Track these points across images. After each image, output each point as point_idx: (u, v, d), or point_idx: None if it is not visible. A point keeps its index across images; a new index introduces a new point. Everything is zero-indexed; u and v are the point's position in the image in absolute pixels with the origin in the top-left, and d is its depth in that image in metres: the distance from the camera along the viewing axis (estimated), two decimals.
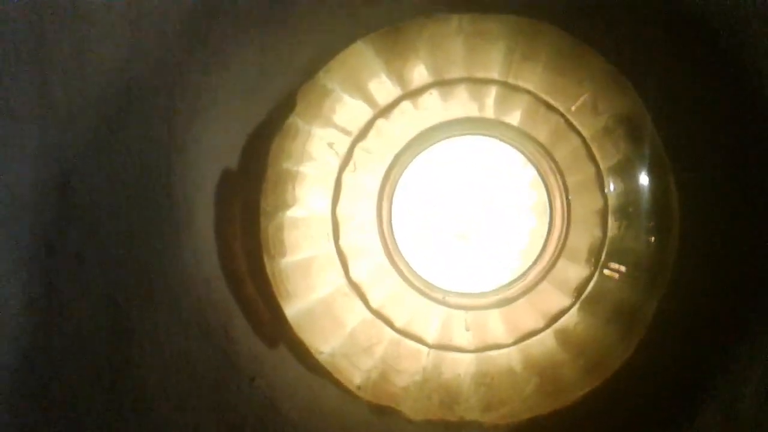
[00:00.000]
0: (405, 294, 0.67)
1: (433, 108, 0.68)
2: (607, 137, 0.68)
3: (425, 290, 0.67)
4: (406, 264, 0.67)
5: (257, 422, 0.66)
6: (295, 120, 0.71)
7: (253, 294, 0.70)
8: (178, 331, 0.64)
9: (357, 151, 0.69)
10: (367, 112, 0.70)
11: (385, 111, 0.69)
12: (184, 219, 0.65)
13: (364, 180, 0.68)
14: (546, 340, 0.68)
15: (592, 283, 0.67)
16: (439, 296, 0.66)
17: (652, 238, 0.69)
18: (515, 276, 0.68)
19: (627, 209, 0.68)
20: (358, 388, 0.71)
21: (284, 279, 0.71)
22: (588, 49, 0.69)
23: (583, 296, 0.67)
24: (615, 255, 0.68)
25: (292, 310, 0.70)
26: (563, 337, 0.69)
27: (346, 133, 0.70)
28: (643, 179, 0.69)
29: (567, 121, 0.66)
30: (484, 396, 0.71)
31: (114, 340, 0.63)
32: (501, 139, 0.67)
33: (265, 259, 0.71)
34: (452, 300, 0.67)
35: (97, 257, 0.62)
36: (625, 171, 0.69)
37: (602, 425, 0.72)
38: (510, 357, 0.69)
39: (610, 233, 0.68)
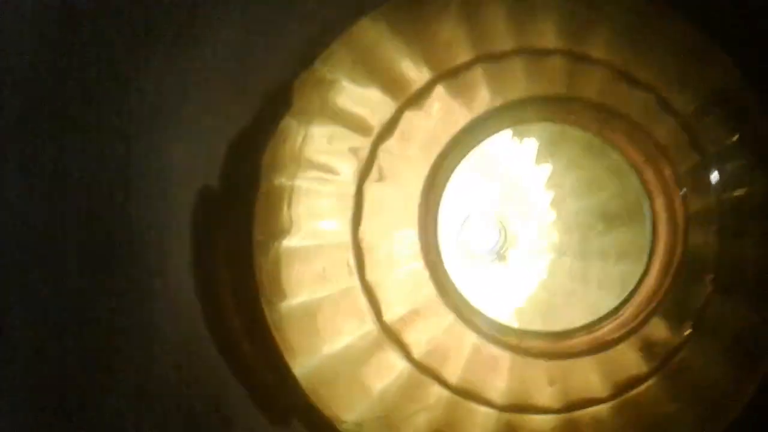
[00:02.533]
0: (462, 338, 0.49)
1: (480, 90, 0.51)
2: (705, 119, 0.52)
3: (491, 332, 0.49)
4: (463, 298, 0.49)
5: None
6: (291, 121, 0.54)
7: (251, 354, 0.51)
8: (154, 419, 0.45)
9: (381, 154, 0.51)
10: (388, 104, 0.53)
11: (414, 99, 0.51)
12: (152, 263, 0.47)
13: (394, 192, 0.50)
14: (653, 389, 0.51)
15: (711, 307, 0.50)
16: (513, 340, 0.48)
17: None
18: (609, 308, 0.50)
19: (740, 207, 0.52)
20: None
21: (290, 330, 0.53)
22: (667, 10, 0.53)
23: (701, 325, 0.50)
24: (730, 268, 0.52)
25: (303, 370, 0.52)
26: (673, 381, 0.51)
27: (363, 131, 0.52)
28: (752, 170, 0.52)
29: (659, 97, 0.50)
30: None
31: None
32: (574, 124, 0.50)
33: (264, 306, 0.52)
34: (530, 344, 0.49)
35: (26, 325, 0.43)
36: (729, 160, 0.52)
37: None
38: (607, 414, 0.51)
39: (722, 241, 0.51)
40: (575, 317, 0.72)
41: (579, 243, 0.77)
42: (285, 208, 0.54)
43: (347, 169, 0.52)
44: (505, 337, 0.48)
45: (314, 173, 0.53)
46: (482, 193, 0.74)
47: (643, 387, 0.51)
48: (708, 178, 0.51)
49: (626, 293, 0.69)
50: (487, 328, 0.49)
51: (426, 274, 0.48)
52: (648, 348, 0.50)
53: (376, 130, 0.51)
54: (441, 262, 0.49)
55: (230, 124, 0.53)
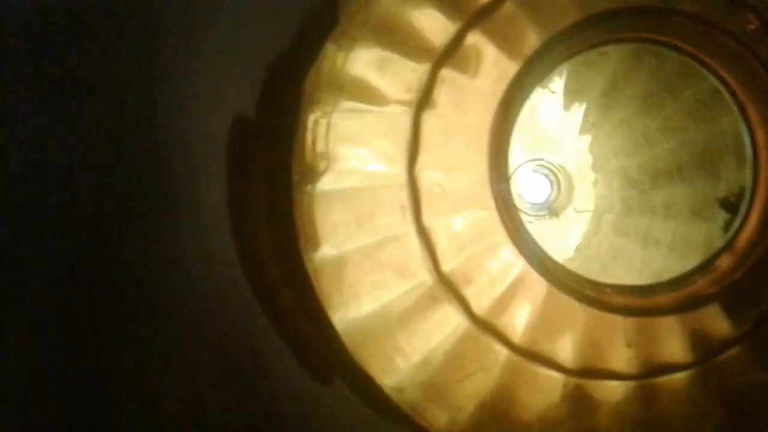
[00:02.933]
0: (532, 289, 0.43)
1: (557, 2, 0.44)
2: None
3: (568, 283, 0.42)
4: (536, 245, 0.43)
5: None
6: (337, 43, 0.47)
7: (290, 304, 0.45)
8: (183, 372, 0.39)
9: (441, 80, 0.44)
10: (449, 23, 0.46)
11: (480, 16, 0.45)
12: (183, 200, 0.41)
13: (458, 121, 0.44)
14: (741, 355, 0.45)
15: None
16: (593, 293, 0.42)
17: None
18: (702, 261, 0.44)
19: None
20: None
21: (331, 279, 0.47)
22: None
23: None
24: None
25: (345, 324, 0.47)
26: (765, 346, 0.45)
27: (420, 54, 0.46)
28: None
29: (762, 20, 0.43)
30: None
31: (76, 385, 0.38)
32: (666, 43, 0.43)
33: (303, 253, 0.46)
34: (613, 299, 0.43)
35: (45, 264, 0.37)
36: None
37: None
38: (689, 382, 0.45)
39: None
40: (625, 275, 0.66)
41: (632, 199, 0.71)
42: (327, 141, 0.48)
43: (402, 98, 0.46)
44: (583, 289, 0.42)
45: (362, 102, 0.47)
46: (533, 146, 0.68)
47: (730, 352, 0.45)
48: None
49: (686, 252, 0.63)
50: (564, 276, 0.42)
51: (494, 216, 0.42)
52: (741, 308, 0.44)
53: (436, 53, 0.45)
54: (512, 204, 0.42)
55: (268, 45, 0.46)
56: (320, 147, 0.47)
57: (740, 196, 0.57)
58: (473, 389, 0.46)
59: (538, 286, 0.42)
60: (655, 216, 0.66)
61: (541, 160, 0.70)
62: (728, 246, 0.43)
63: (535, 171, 0.70)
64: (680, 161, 0.66)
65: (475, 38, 0.45)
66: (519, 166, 0.70)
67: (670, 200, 0.66)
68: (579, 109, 0.71)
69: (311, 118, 0.47)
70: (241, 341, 0.42)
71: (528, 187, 0.71)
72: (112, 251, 0.39)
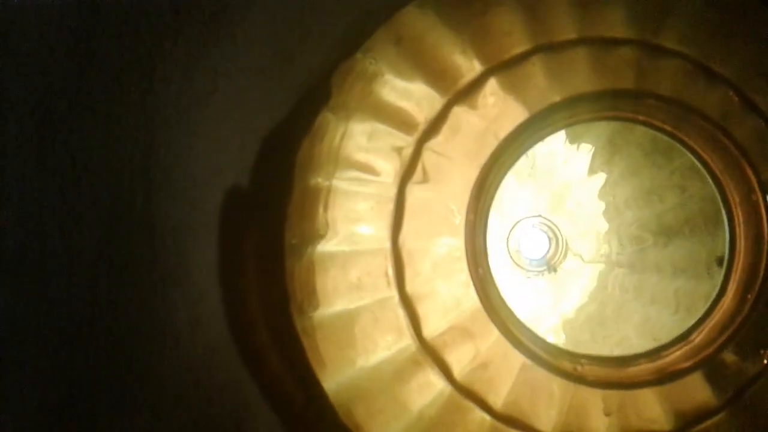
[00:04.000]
0: (509, 360, 0.44)
1: (538, 84, 0.45)
2: None
3: (544, 357, 0.43)
4: (512, 314, 0.44)
5: None
6: (329, 116, 0.49)
7: (279, 369, 0.47)
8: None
9: (426, 153, 0.46)
10: (435, 99, 0.48)
11: (463, 94, 0.46)
12: (173, 266, 0.43)
13: (440, 194, 0.46)
14: (723, 423, 0.45)
15: None
16: (567, 365, 0.43)
17: None
18: (665, 325, 0.44)
19: None
20: None
21: (321, 341, 0.48)
22: None
23: None
24: None
25: (335, 385, 0.48)
26: (746, 414, 0.45)
27: (407, 128, 0.48)
28: None
29: (741, 95, 0.44)
30: None
31: None
32: (645, 122, 0.45)
33: (294, 315, 0.48)
34: (586, 371, 0.43)
35: (36, 332, 0.40)
36: None
37: None
38: None
39: None
40: (628, 332, 0.66)
41: (634, 255, 0.72)
42: (320, 209, 0.49)
43: (389, 169, 0.48)
44: (557, 361, 0.43)
45: (353, 173, 0.49)
46: (532, 199, 0.69)
47: (711, 421, 0.45)
48: None
49: (682, 310, 0.64)
50: (538, 349, 0.43)
51: (471, 286, 0.43)
52: (720, 378, 0.44)
53: (421, 127, 0.47)
54: (489, 273, 0.44)
55: (262, 119, 0.49)
56: (319, 213, 0.49)
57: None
58: None
59: (514, 357, 0.43)
60: (663, 273, 0.66)
61: (539, 216, 0.71)
62: (704, 318, 0.43)
63: (533, 227, 0.71)
64: (681, 219, 0.66)
65: (458, 113, 0.47)
66: (517, 223, 0.71)
67: (669, 257, 0.67)
68: (582, 160, 0.72)
69: (311, 182, 0.49)
70: (225, 408, 0.43)
71: (527, 243, 0.71)
72: (105, 322, 0.41)
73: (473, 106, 0.46)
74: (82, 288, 0.41)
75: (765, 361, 0.45)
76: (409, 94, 0.48)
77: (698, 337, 0.43)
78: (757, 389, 0.46)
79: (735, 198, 0.43)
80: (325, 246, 0.49)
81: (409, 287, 0.46)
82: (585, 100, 0.43)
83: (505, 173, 0.44)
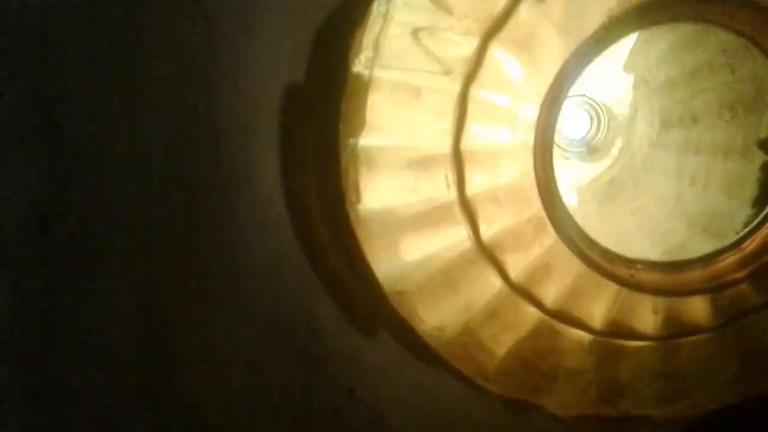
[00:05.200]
0: (566, 265, 0.45)
1: None
2: None
3: (600, 262, 0.45)
4: (571, 220, 0.45)
5: None
6: (382, 5, 0.47)
7: (338, 264, 0.49)
8: (243, 337, 0.44)
9: (493, 48, 0.45)
10: None
11: None
12: (239, 169, 0.43)
13: (506, 99, 0.45)
14: (763, 318, 0.48)
15: None
16: (624, 272, 0.45)
17: None
18: (732, 241, 0.45)
19: None
20: (486, 379, 0.52)
21: (376, 236, 0.50)
22: None
23: None
24: None
25: (389, 276, 0.50)
26: None
27: (470, 21, 0.46)
28: None
29: None
30: (663, 388, 0.51)
31: (150, 352, 0.42)
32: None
33: (349, 212, 0.49)
34: (640, 278, 0.45)
35: (114, 237, 0.40)
36: None
37: None
38: (710, 342, 0.48)
39: None
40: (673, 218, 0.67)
41: (678, 135, 0.71)
42: (376, 104, 0.49)
43: (451, 64, 0.46)
44: (614, 268, 0.44)
45: (409, 66, 0.48)
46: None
47: (753, 317, 0.47)
48: None
49: (732, 192, 0.64)
50: (595, 255, 0.45)
51: (535, 192, 0.44)
52: (761, 273, 0.46)
53: (486, 23, 0.45)
54: (554, 179, 0.44)
55: (314, 11, 0.47)
56: (374, 108, 0.48)
57: None
58: (505, 340, 0.50)
59: (570, 262, 0.44)
60: (692, 153, 0.66)
61: (584, 96, 0.69)
62: (758, 227, 0.44)
63: (577, 107, 0.70)
64: (724, 101, 0.65)
65: (527, 12, 0.45)
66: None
67: (710, 139, 0.66)
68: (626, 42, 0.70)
69: (363, 78, 0.48)
70: (295, 306, 0.45)
71: (569, 123, 0.71)
72: (178, 229, 0.42)
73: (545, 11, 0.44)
74: (153, 197, 0.41)
75: None
76: None
77: (751, 245, 0.44)
78: None
79: None
80: (383, 139, 0.49)
81: (469, 190, 0.46)
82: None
83: (575, 79, 0.43)
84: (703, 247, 0.53)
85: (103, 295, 0.40)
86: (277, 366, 0.45)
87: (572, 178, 0.66)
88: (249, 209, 0.44)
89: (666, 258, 0.49)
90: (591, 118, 0.71)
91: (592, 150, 0.71)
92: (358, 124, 0.49)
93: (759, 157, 0.63)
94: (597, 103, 0.70)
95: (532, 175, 0.44)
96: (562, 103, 0.44)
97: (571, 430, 0.54)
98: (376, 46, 0.48)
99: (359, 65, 0.48)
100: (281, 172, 0.46)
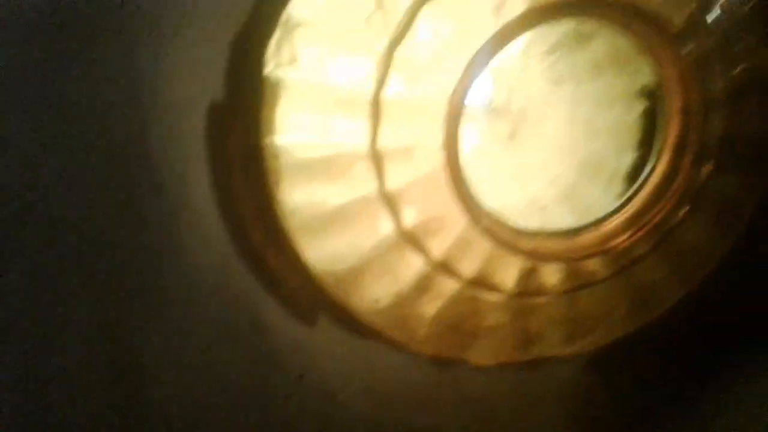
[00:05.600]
0: (480, 243, 0.51)
1: None
2: None
3: (508, 238, 0.51)
4: (479, 204, 0.51)
5: (316, 424, 0.52)
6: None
7: (276, 265, 0.52)
8: (197, 347, 0.47)
9: (398, 57, 0.48)
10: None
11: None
12: (176, 194, 0.46)
13: (419, 98, 0.49)
14: (649, 261, 0.56)
15: (709, 185, 0.53)
16: (528, 245, 0.51)
17: None
18: (621, 199, 0.53)
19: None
20: (418, 342, 0.58)
21: (304, 230, 0.53)
22: None
23: (697, 203, 0.53)
24: (730, 145, 0.54)
25: (321, 263, 0.54)
26: (667, 251, 0.56)
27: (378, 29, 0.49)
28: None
29: None
30: (568, 331, 0.59)
31: (113, 372, 0.46)
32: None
33: (279, 214, 0.52)
34: (546, 246, 0.52)
35: (67, 267, 0.43)
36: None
37: (693, 332, 0.63)
38: (604, 289, 0.56)
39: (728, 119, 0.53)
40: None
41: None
42: (291, 105, 0.52)
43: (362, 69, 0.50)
44: (520, 242, 0.51)
45: (324, 69, 0.51)
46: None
47: (640, 264, 0.55)
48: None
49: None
50: (504, 233, 0.51)
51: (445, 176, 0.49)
52: (650, 232, 0.54)
53: (390, 34, 0.48)
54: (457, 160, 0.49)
55: (230, 23, 0.49)
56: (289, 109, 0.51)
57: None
58: (431, 309, 0.56)
59: (482, 241, 0.50)
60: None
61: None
62: (639, 188, 0.51)
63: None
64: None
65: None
66: None
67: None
68: None
69: (279, 82, 0.51)
70: (241, 310, 0.49)
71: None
72: (123, 253, 0.44)
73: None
74: (95, 229, 0.43)
75: (685, 211, 0.54)
76: None
77: (635, 206, 0.52)
78: (677, 232, 0.55)
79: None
80: (299, 144, 0.52)
81: (388, 186, 0.51)
82: None
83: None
84: (592, 189, 0.61)
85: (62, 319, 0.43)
86: (232, 366, 0.49)
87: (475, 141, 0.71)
88: (188, 227, 0.47)
89: (560, 199, 0.56)
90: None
91: (492, 111, 0.76)
92: (274, 126, 0.52)
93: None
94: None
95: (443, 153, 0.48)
96: (479, 74, 0.48)
97: (492, 375, 0.61)
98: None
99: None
100: (214, 188, 0.49)
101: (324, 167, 0.52)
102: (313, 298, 0.54)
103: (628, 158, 0.60)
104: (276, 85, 0.51)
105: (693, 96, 0.50)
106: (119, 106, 0.43)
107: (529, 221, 0.52)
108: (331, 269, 0.55)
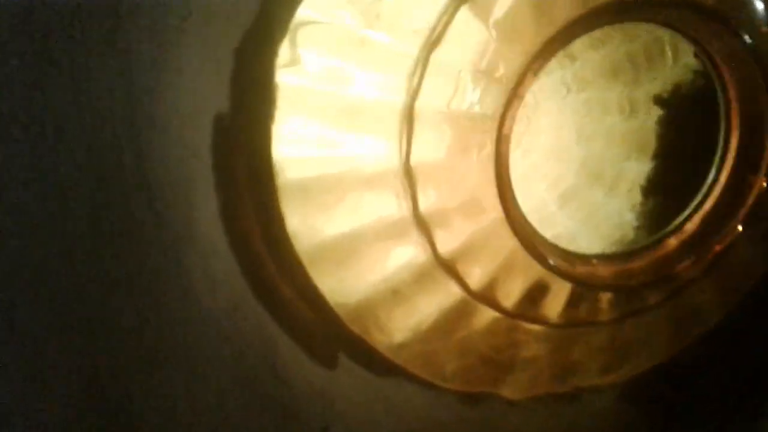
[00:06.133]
0: (526, 269, 0.45)
1: None
2: None
3: (558, 262, 0.45)
4: (529, 226, 0.45)
5: None
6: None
7: (291, 302, 0.46)
8: (206, 400, 0.40)
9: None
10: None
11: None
12: (180, 225, 0.39)
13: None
14: (700, 283, 0.50)
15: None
16: (580, 269, 0.46)
17: None
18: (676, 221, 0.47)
19: None
20: (445, 379, 0.52)
21: (326, 263, 0.47)
22: None
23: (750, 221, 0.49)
24: None
25: (340, 297, 0.48)
26: (718, 272, 0.51)
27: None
28: None
29: None
30: (608, 359, 0.54)
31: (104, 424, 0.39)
32: None
33: (295, 245, 0.46)
34: (599, 271, 0.46)
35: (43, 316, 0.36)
36: None
37: (737, 350, 0.58)
38: (653, 313, 0.51)
39: None
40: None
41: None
42: (303, 116, 0.45)
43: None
44: (571, 267, 0.45)
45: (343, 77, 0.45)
46: None
47: (691, 287, 0.50)
48: None
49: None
50: (553, 256, 0.45)
51: (494, 196, 0.43)
52: (703, 253, 0.49)
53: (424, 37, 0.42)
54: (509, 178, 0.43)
55: (235, 32, 0.42)
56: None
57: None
58: (462, 342, 0.50)
59: (529, 265, 0.44)
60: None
61: None
62: (697, 208, 0.46)
63: None
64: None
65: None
66: None
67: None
68: None
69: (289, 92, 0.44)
70: (256, 354, 0.42)
71: None
72: (119, 303, 0.38)
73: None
74: (86, 269, 0.36)
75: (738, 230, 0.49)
76: None
77: (690, 226, 0.46)
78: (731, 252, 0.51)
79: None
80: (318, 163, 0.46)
81: (423, 209, 0.44)
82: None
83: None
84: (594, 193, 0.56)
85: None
86: (247, 420, 0.42)
87: None
88: (197, 265, 0.40)
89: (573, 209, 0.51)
90: None
91: None
92: (285, 140, 0.45)
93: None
94: None
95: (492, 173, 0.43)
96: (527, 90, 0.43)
97: (526, 410, 0.55)
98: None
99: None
100: (224, 219, 0.42)
101: (342, 186, 0.46)
102: (332, 336, 0.48)
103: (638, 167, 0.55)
104: (287, 94, 0.44)
105: (756, 104, 0.45)
106: (113, 121, 0.36)
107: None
108: (346, 301, 0.49)
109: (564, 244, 0.49)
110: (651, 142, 0.59)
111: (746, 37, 0.43)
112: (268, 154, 0.45)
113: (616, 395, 0.58)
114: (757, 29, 0.44)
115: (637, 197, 0.57)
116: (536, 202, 0.58)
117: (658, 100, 0.61)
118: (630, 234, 0.55)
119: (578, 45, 0.59)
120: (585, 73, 0.63)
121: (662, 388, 0.58)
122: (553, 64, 0.52)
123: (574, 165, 0.61)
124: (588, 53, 0.61)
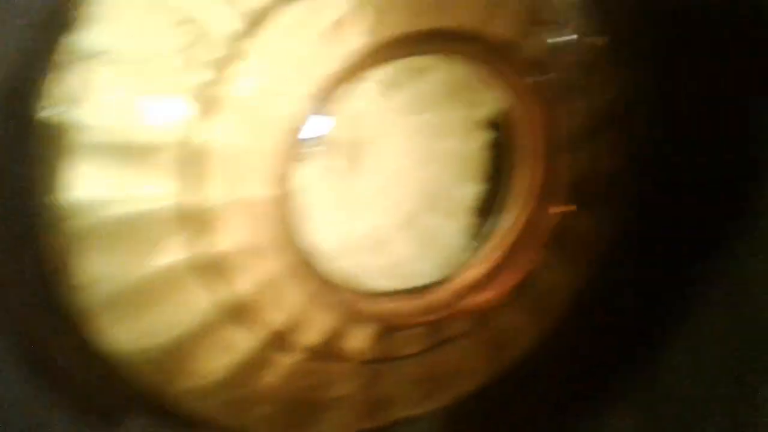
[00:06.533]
0: (323, 306, 0.43)
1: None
2: None
3: (353, 304, 0.43)
4: (322, 270, 0.43)
5: None
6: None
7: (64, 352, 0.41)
8: None
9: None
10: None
11: None
12: None
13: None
14: (508, 309, 0.50)
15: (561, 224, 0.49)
16: (376, 307, 0.44)
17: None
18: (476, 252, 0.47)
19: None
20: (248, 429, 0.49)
21: (102, 314, 0.42)
22: None
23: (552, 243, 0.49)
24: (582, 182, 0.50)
25: (128, 345, 0.43)
26: (525, 296, 0.51)
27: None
28: None
29: None
30: (423, 389, 0.53)
31: None
32: None
33: (69, 300, 0.41)
34: (397, 308, 0.45)
35: None
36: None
37: (557, 367, 0.59)
38: (463, 342, 0.50)
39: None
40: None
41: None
42: (78, 156, 0.41)
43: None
44: (369, 307, 0.43)
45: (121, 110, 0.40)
46: None
47: (500, 313, 0.50)
48: None
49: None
50: (355, 296, 0.43)
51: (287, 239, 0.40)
52: (505, 282, 0.48)
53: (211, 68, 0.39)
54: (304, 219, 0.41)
55: None
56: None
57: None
58: (264, 389, 0.48)
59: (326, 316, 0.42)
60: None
61: None
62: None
63: None
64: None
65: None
66: None
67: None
68: None
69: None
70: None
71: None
72: None
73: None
74: None
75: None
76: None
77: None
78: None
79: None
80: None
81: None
82: None
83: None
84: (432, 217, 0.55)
85: None
86: None
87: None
88: None
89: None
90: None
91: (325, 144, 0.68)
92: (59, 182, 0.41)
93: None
94: None
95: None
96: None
97: None
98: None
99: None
100: None
101: (124, 231, 0.41)
102: (119, 392, 0.43)
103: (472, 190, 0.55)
104: (60, 132, 0.40)
105: (548, 133, 0.45)
106: None
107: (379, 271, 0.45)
108: (140, 351, 0.44)
109: (402, 271, 0.47)
110: (484, 165, 0.58)
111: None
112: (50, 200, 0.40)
113: (437, 421, 0.57)
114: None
115: (474, 220, 0.57)
116: (373, 228, 0.56)
117: (490, 123, 0.61)
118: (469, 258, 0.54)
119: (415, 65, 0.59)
120: (425, 95, 0.62)
121: (486, 408, 0.58)
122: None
123: (412, 189, 0.60)
124: (429, 74, 0.60)
